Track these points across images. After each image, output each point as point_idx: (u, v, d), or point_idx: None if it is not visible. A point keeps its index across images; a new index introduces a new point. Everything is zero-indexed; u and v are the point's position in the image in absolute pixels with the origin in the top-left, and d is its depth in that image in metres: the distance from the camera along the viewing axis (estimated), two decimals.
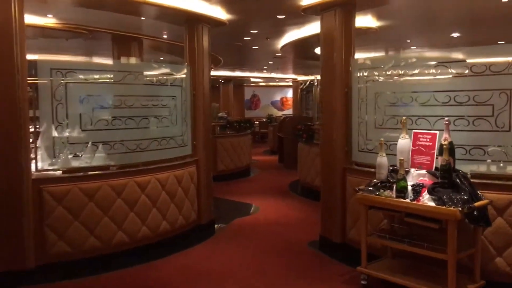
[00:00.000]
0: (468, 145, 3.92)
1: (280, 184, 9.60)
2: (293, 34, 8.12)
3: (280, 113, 24.87)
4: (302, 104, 14.21)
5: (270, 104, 26.59)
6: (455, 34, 8.15)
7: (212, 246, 5.50)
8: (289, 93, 26.21)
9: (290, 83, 24.22)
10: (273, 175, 10.97)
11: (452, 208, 3.41)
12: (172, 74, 5.48)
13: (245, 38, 8.41)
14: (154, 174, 5.07)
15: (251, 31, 7.69)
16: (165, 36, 7.72)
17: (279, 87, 26.54)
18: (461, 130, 3.93)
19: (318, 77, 12.64)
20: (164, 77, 5.37)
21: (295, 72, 19.45)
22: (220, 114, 18.93)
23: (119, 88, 4.96)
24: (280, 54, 10.93)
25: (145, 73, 5.18)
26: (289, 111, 25.41)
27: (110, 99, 4.86)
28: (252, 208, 7.49)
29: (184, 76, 5.64)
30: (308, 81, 12.92)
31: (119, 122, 4.85)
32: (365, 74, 4.74)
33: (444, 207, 3.45)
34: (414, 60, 4.46)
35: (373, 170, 4.64)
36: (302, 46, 9.04)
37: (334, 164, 5.06)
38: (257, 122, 20.49)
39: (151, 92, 5.22)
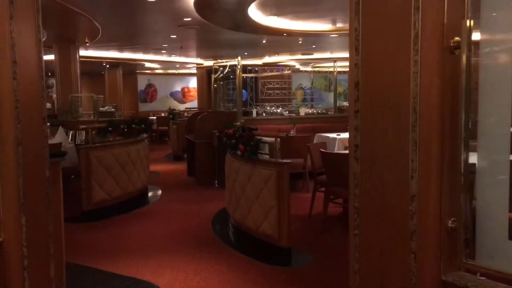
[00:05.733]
0: None
1: (198, 221, 6.03)
2: None
3: (182, 106, 21.11)
4: (217, 96, 10.70)
5: (169, 96, 22.71)
6: None
7: None
8: (192, 83, 22.52)
9: (194, 71, 20.53)
10: (184, 200, 7.33)
11: None
12: None
13: None
14: None
15: None
16: None
17: (179, 76, 22.69)
18: None
19: (244, 61, 9.34)
20: None
21: (201, 55, 15.80)
22: (105, 108, 14.71)
23: None
24: (190, 19, 7.30)
25: None
26: (192, 104, 21.76)
27: None
28: None
29: None
30: (227, 66, 9.46)
31: None
32: None
33: None
34: None
35: None
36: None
37: (410, 267, 1.68)
38: (155, 117, 16.53)
39: None
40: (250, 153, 4.81)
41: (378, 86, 1.77)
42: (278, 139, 4.77)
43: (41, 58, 2.42)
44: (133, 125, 6.99)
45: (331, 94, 16.73)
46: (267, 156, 4.85)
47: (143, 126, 7.19)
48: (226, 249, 4.94)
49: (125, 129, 6.81)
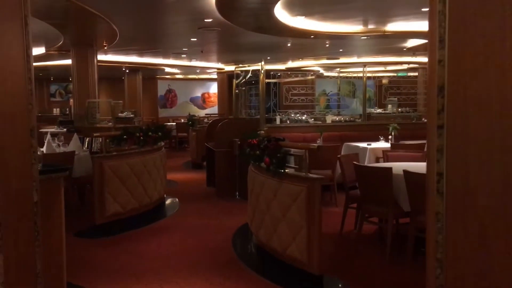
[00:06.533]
0: None
1: (218, 239, 5.53)
2: None
3: (202, 112, 20.80)
4: (239, 102, 10.25)
5: (189, 101, 22.43)
6: None
7: None
8: (212, 88, 22.21)
9: (214, 76, 20.19)
10: (202, 213, 6.85)
11: None
12: None
13: None
14: None
15: None
16: None
17: (200, 81, 22.41)
18: None
19: (267, 66, 8.86)
20: None
21: (222, 59, 15.41)
22: (124, 114, 14.48)
23: None
24: (211, 20, 6.87)
25: None
26: (212, 110, 21.43)
27: None
28: None
29: None
30: (250, 71, 9.01)
31: None
32: None
33: None
34: None
35: None
36: None
37: None
38: (174, 123, 16.18)
39: None
40: (277, 167, 4.31)
41: (476, 92, 1.25)
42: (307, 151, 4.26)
43: (29, 60, 1.98)
44: (150, 133, 6.56)
45: (355, 100, 16.11)
46: (294, 170, 4.35)
47: (160, 134, 6.76)
48: (248, 273, 4.42)
49: (141, 137, 6.39)
